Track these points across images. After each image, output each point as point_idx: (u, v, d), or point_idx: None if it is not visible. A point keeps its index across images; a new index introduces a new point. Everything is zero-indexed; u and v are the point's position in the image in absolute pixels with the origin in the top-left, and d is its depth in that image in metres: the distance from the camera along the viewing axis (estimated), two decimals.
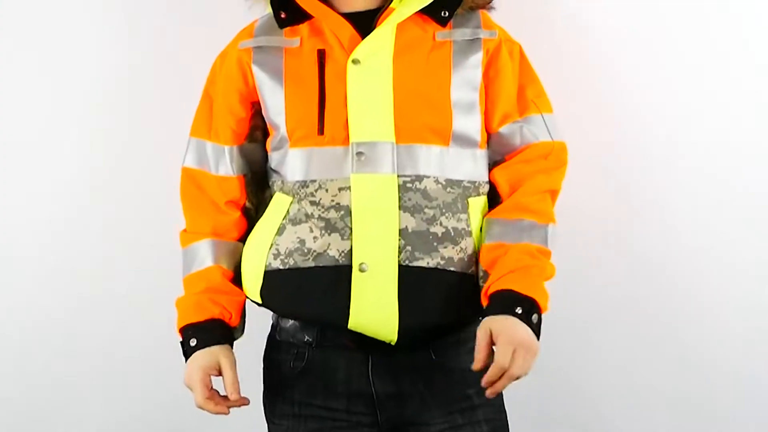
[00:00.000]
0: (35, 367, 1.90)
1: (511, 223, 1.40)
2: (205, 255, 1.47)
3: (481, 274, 1.38)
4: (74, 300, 1.88)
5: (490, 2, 1.50)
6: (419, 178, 1.37)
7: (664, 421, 1.82)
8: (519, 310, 1.28)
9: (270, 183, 1.49)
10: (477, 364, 1.26)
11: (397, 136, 1.37)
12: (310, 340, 1.41)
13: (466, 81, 1.42)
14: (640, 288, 1.81)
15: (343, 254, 1.35)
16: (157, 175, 1.78)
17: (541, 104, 1.49)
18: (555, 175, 1.47)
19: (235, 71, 1.46)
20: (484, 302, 1.34)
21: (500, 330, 1.26)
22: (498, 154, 1.47)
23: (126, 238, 1.87)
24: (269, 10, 1.47)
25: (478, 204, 1.43)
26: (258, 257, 1.42)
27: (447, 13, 1.42)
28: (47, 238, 1.88)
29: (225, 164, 1.48)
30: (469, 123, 1.42)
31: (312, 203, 1.38)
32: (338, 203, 1.36)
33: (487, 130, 1.46)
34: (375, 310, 1.34)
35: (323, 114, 1.38)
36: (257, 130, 1.50)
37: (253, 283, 1.43)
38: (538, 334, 1.29)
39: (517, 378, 1.25)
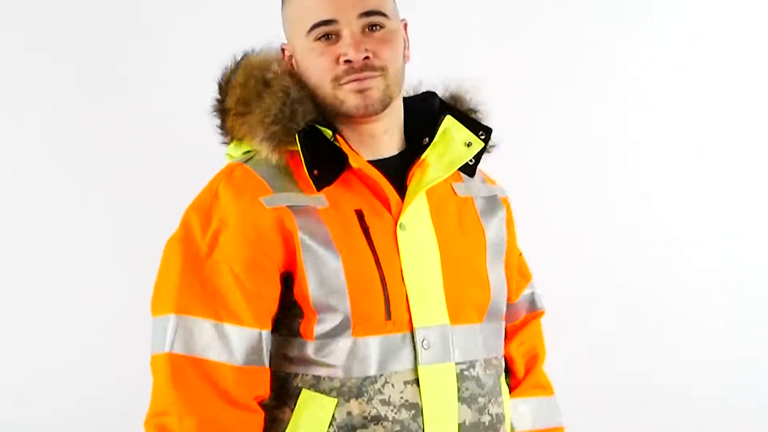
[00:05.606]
0: None
1: (550, 401, 1.39)
2: None
3: None
4: None
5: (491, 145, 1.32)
6: (472, 364, 1.22)
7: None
8: None
9: (286, 377, 1.21)
10: None
11: (450, 316, 1.21)
12: None
13: (495, 246, 1.29)
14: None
15: None
16: None
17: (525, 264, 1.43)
18: None
19: (272, 236, 1.16)
20: None
21: None
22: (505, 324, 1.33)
23: None
24: (275, 159, 1.19)
25: (505, 384, 1.31)
26: None
27: (473, 161, 1.26)
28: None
29: (255, 352, 1.17)
30: (502, 294, 1.29)
31: (382, 402, 1.17)
32: (407, 401, 1.17)
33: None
34: None
35: (387, 294, 1.17)
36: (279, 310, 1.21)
37: None
38: None
39: None
